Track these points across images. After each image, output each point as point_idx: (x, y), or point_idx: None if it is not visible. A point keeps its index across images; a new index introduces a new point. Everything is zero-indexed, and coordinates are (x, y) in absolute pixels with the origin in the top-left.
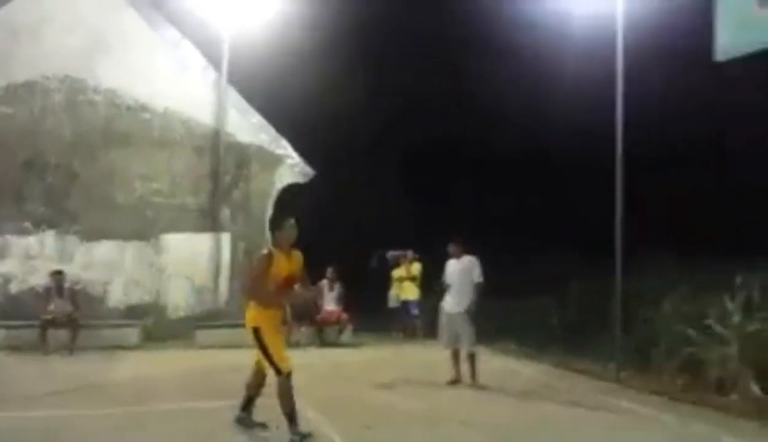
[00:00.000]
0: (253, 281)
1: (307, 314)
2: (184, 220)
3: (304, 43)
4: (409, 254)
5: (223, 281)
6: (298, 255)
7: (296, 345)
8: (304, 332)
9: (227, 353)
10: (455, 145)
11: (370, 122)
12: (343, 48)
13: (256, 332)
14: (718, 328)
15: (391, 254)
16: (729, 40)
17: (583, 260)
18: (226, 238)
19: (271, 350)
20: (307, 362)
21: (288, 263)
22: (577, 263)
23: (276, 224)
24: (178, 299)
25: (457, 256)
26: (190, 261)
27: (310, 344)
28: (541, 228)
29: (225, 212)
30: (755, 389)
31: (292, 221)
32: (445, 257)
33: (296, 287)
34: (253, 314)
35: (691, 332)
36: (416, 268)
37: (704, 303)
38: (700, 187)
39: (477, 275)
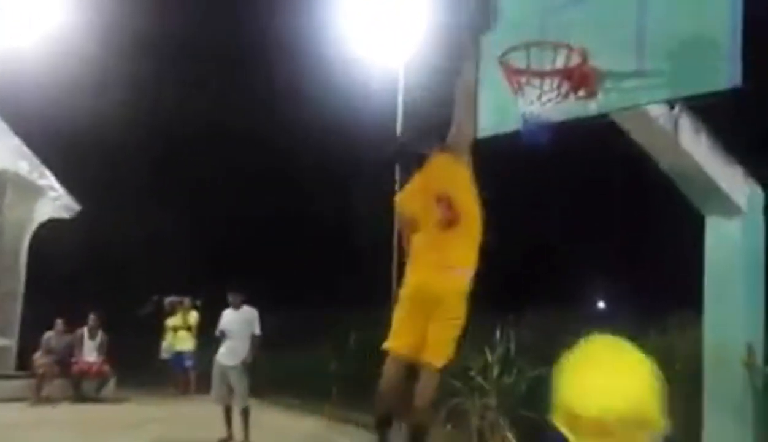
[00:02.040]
0: None
1: (61, 364)
2: None
3: (82, 63)
4: (186, 300)
5: None
6: None
7: (47, 400)
8: (58, 384)
9: None
10: (240, 185)
11: (150, 156)
12: (126, 74)
13: None
14: (480, 380)
15: (169, 300)
16: (488, 119)
17: (360, 311)
18: None
19: None
20: (58, 420)
21: None
22: (354, 314)
23: None
24: None
25: (236, 306)
26: None
27: (65, 398)
28: (319, 277)
29: None
30: (512, 438)
31: None
32: (226, 304)
33: None
34: None
35: (456, 383)
36: (193, 316)
37: (468, 356)
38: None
39: (256, 327)
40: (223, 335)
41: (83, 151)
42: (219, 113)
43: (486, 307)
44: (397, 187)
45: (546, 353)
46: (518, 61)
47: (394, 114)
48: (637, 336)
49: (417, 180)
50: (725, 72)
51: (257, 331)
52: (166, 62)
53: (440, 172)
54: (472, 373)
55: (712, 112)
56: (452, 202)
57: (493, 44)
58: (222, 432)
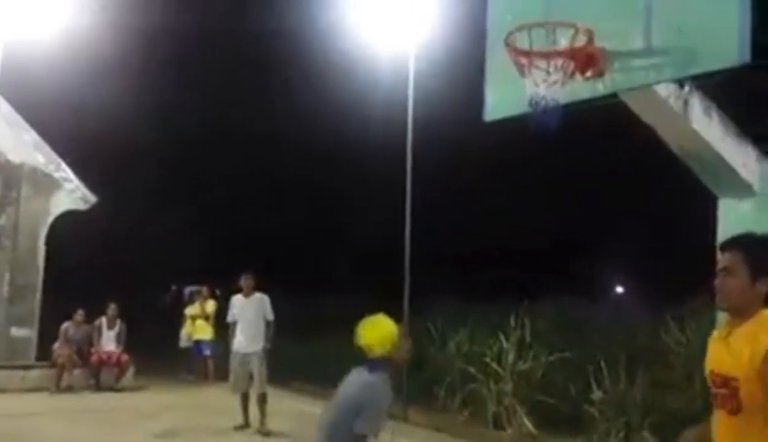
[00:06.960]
0: None
1: (80, 354)
2: None
3: (97, 56)
4: (204, 290)
5: None
6: None
7: (69, 389)
8: (77, 374)
9: None
10: (255, 175)
11: (165, 147)
12: (140, 68)
13: None
14: (495, 366)
15: (188, 289)
16: (495, 102)
17: (374, 301)
18: None
19: None
20: (80, 408)
21: None
22: (369, 303)
23: None
24: None
25: (248, 292)
26: None
27: (84, 387)
28: (333, 267)
29: None
30: (528, 424)
31: None
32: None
33: None
34: None
35: (471, 369)
36: (210, 305)
37: (484, 343)
38: (480, 236)
39: (269, 313)
40: (235, 323)
41: (99, 144)
42: (231, 107)
43: (501, 293)
44: (408, 177)
45: (561, 339)
46: (524, 42)
47: (405, 102)
48: (653, 321)
49: None
50: (735, 48)
51: (270, 316)
52: (180, 55)
53: None
54: (488, 359)
55: (723, 91)
56: None
57: (499, 25)
58: (239, 419)
